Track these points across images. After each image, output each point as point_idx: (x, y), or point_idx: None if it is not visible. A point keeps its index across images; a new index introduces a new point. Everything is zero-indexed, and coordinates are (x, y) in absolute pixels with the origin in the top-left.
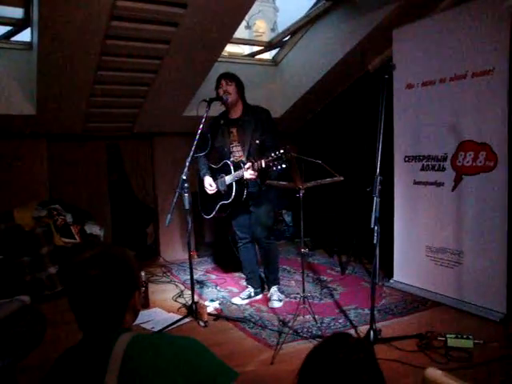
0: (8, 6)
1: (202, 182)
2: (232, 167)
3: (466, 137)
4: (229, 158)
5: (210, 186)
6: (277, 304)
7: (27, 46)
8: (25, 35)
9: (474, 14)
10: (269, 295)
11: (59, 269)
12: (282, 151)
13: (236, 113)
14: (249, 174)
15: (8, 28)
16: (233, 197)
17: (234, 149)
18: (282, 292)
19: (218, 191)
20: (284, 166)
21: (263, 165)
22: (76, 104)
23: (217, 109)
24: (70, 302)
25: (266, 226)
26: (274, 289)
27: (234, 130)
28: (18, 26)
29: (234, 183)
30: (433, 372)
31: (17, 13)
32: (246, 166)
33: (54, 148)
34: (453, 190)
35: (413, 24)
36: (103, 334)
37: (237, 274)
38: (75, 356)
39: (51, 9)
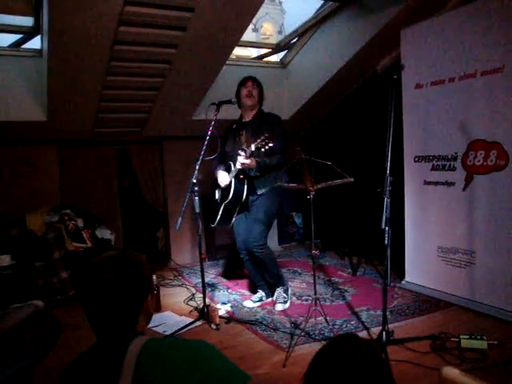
0: (18, 16)
1: (213, 187)
2: (232, 166)
3: (477, 136)
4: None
5: (223, 177)
6: (281, 306)
7: (37, 53)
8: (35, 43)
9: (482, 11)
10: (274, 298)
11: (71, 273)
12: (267, 133)
13: (249, 116)
14: (241, 160)
15: (18, 36)
16: (232, 193)
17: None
18: (287, 292)
19: (223, 193)
20: (271, 144)
21: (253, 148)
22: (86, 110)
23: (226, 112)
24: (84, 305)
25: (258, 235)
26: (278, 291)
27: (244, 133)
28: (29, 33)
29: (233, 180)
30: (450, 371)
31: (27, 21)
32: (239, 157)
33: (65, 154)
34: (464, 189)
35: (421, 24)
36: (117, 337)
37: (248, 280)
38: (89, 360)
39: (61, 16)
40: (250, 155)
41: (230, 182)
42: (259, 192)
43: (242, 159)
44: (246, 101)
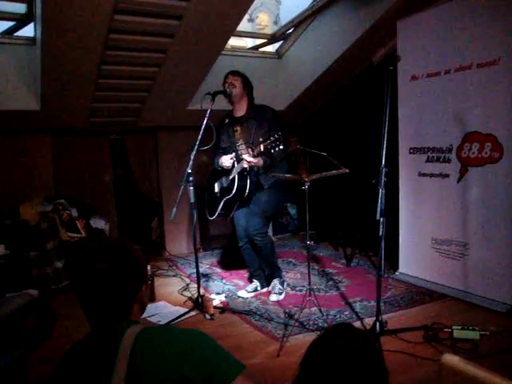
0: (11, 2)
1: (210, 180)
2: (235, 162)
3: (472, 128)
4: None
5: (226, 160)
6: (276, 297)
7: (30, 41)
8: (28, 30)
9: (479, 4)
10: (270, 288)
11: (65, 263)
12: (279, 133)
13: (241, 111)
14: (248, 159)
15: (11, 23)
16: (235, 190)
17: (240, 147)
18: (283, 284)
19: (224, 188)
20: (282, 147)
21: (262, 148)
22: (80, 99)
23: (221, 103)
24: (78, 295)
25: (260, 223)
26: (274, 282)
27: (239, 128)
28: (21, 21)
29: (236, 176)
30: (450, 358)
31: (20, 8)
32: (245, 154)
33: (59, 143)
34: (458, 181)
35: (417, 15)
36: (111, 326)
37: (243, 270)
38: (84, 349)
39: (54, 3)
40: (258, 154)
41: (233, 179)
42: (266, 186)
43: (249, 158)
44: (230, 90)
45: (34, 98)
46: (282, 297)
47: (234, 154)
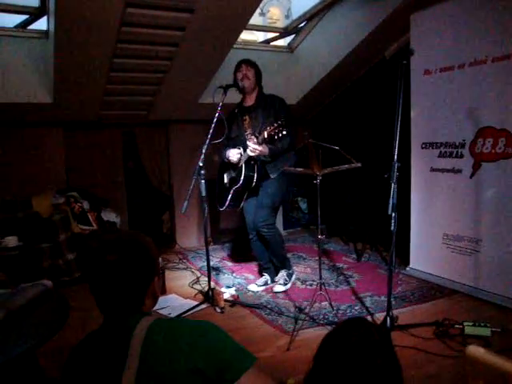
0: None
1: (220, 171)
2: (242, 151)
3: (485, 123)
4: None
5: (233, 154)
6: (280, 288)
7: (43, 34)
8: (41, 24)
9: None
10: (276, 279)
11: (77, 255)
12: (282, 120)
13: (250, 101)
14: (252, 146)
15: (24, 17)
16: (242, 179)
17: (248, 136)
18: (290, 277)
19: (232, 178)
20: (285, 132)
21: (266, 135)
22: (92, 92)
23: (233, 96)
24: (91, 286)
25: (267, 214)
26: (281, 273)
27: (247, 118)
28: (35, 14)
29: (243, 165)
30: (475, 349)
31: (33, 1)
32: (250, 142)
33: (71, 136)
34: (471, 177)
35: (431, 8)
36: (123, 318)
37: (253, 264)
38: (96, 340)
39: None
40: (262, 142)
41: (241, 168)
42: (272, 176)
43: (253, 145)
44: (243, 83)
45: (46, 91)
46: (285, 288)
47: (241, 148)
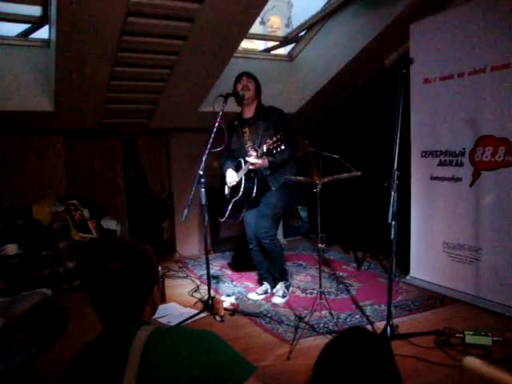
0: (26, 5)
1: (222, 181)
2: (243, 163)
3: (485, 132)
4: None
5: (232, 177)
6: (279, 300)
7: (45, 43)
8: (43, 33)
9: (493, 6)
10: (274, 291)
11: (77, 263)
12: (281, 134)
13: (249, 113)
14: (252, 160)
15: (26, 26)
16: (242, 191)
17: (249, 148)
18: (288, 288)
19: (233, 189)
20: (283, 147)
21: (265, 149)
22: (93, 100)
23: (233, 105)
24: (90, 295)
25: (269, 225)
26: (280, 285)
27: (247, 130)
28: (36, 23)
29: (243, 178)
30: (471, 360)
31: (35, 10)
32: (250, 157)
33: (72, 144)
34: (471, 185)
35: (430, 18)
36: (123, 326)
37: (253, 272)
38: (96, 349)
39: (69, 6)
40: (262, 155)
41: (240, 180)
42: (273, 188)
43: (253, 160)
44: (244, 92)
45: (47, 98)
46: (284, 300)
47: (242, 160)
